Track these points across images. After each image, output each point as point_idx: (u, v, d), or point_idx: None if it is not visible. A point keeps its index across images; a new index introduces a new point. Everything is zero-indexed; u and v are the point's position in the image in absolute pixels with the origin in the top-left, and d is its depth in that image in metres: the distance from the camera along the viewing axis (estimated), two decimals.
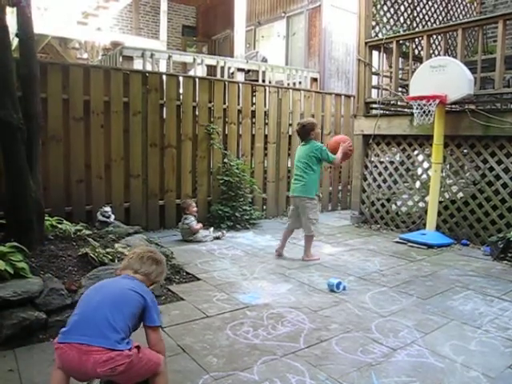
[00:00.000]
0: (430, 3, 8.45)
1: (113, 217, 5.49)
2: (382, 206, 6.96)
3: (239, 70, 9.97)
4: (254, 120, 7.32)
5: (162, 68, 9.84)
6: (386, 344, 3.00)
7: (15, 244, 3.35)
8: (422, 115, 5.60)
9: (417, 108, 5.66)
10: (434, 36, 7.16)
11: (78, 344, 1.93)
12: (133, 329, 2.14)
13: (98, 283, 2.37)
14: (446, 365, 2.74)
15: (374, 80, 7.31)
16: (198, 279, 4.29)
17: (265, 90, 7.54)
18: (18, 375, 2.52)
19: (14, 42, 4.25)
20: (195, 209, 6.07)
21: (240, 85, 7.27)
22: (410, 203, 6.65)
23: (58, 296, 3.10)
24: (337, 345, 2.99)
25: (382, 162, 7.03)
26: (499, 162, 5.55)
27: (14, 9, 3.91)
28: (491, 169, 5.62)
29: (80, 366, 1.93)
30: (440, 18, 8.74)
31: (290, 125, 7.79)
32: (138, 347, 2.06)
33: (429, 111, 5.53)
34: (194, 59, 9.51)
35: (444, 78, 5.45)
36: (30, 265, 3.33)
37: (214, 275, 4.41)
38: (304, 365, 2.71)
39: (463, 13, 9.23)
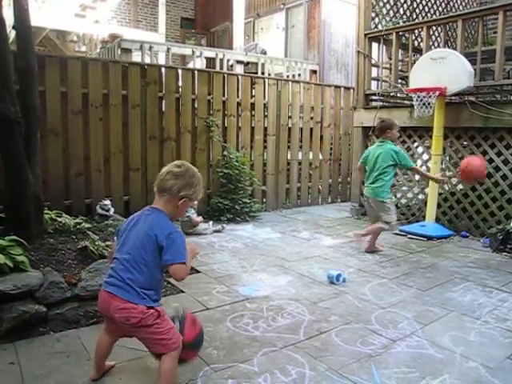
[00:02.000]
0: None
1: (112, 210, 5.49)
2: None
3: (238, 62, 9.95)
4: (253, 112, 7.29)
5: (161, 60, 9.83)
6: (386, 335, 3.01)
7: (14, 237, 3.34)
8: (421, 107, 5.59)
9: (416, 100, 5.65)
10: (434, 27, 7.11)
11: (108, 292, 2.20)
12: (162, 276, 2.31)
13: (127, 224, 2.33)
14: (445, 356, 2.74)
15: (374, 72, 7.28)
16: (198, 272, 4.29)
17: (264, 82, 7.51)
18: (19, 368, 2.53)
19: (11, 34, 4.23)
20: (196, 202, 6.05)
21: (239, 77, 7.24)
22: (410, 195, 6.65)
23: (57, 289, 3.09)
24: (336, 336, 2.99)
25: None
26: (499, 154, 5.55)
27: (11, 1, 3.89)
28: (491, 160, 5.61)
29: (107, 307, 2.20)
30: (440, 9, 8.70)
31: (290, 117, 7.78)
32: (159, 314, 2.18)
33: (429, 103, 5.51)
34: (193, 51, 9.48)
35: (444, 69, 5.43)
36: (30, 258, 3.32)
37: (213, 268, 4.41)
38: (304, 356, 2.72)
39: (463, 4, 9.18)
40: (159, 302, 2.27)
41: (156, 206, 2.31)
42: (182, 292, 3.75)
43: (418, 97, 5.62)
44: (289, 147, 7.84)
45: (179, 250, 2.20)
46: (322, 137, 8.24)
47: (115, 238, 2.43)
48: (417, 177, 6.64)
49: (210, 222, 6.05)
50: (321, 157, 8.27)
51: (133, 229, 2.28)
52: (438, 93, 5.43)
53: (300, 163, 7.99)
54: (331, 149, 8.46)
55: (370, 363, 2.65)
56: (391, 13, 7.62)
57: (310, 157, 8.12)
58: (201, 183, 2.34)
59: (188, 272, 2.28)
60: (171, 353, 2.19)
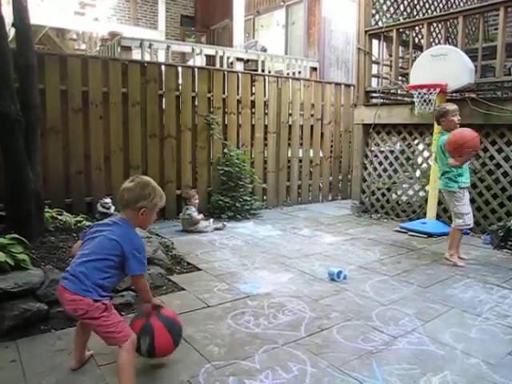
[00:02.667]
0: None
1: (113, 208, 5.48)
2: (383, 195, 6.96)
3: (238, 59, 9.93)
4: (253, 110, 7.29)
5: (161, 58, 9.81)
6: (387, 332, 3.01)
7: (15, 236, 3.35)
8: (422, 104, 5.58)
9: (417, 97, 5.64)
10: (435, 24, 7.10)
11: (62, 286, 2.32)
12: (116, 277, 2.40)
13: (95, 227, 2.50)
14: (446, 352, 2.75)
15: (374, 69, 7.26)
16: (199, 269, 4.29)
17: (264, 79, 7.51)
18: (21, 366, 2.53)
19: (11, 32, 4.22)
20: (197, 200, 6.06)
21: (239, 75, 7.23)
22: (411, 192, 6.64)
23: None
24: (338, 333, 2.99)
25: (382, 152, 7.01)
26: (499, 151, 5.54)
27: None
28: (491, 157, 5.60)
29: (61, 299, 2.33)
30: (440, 5, 8.67)
31: (290, 114, 7.77)
32: (106, 307, 2.28)
33: (429, 100, 5.50)
34: (193, 49, 9.47)
35: (445, 66, 5.41)
36: (31, 256, 3.32)
37: (214, 265, 4.41)
38: (305, 353, 2.72)
39: (464, 0, 9.15)
40: (108, 297, 2.33)
41: (124, 218, 2.47)
42: (183, 290, 3.75)
43: (419, 94, 5.61)
44: (289, 145, 7.83)
45: (141, 263, 2.37)
46: (322, 134, 8.23)
47: (80, 240, 2.59)
48: (417, 174, 6.64)
49: (211, 220, 6.05)
50: (321, 154, 8.27)
51: (100, 232, 2.40)
52: (438, 90, 5.42)
53: (301, 160, 7.99)
54: (332, 146, 8.45)
55: (371, 360, 2.65)
56: (391, 10, 7.59)
57: (311, 154, 8.12)
58: (157, 192, 2.50)
59: (145, 288, 2.47)
60: (124, 346, 2.25)
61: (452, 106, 4.70)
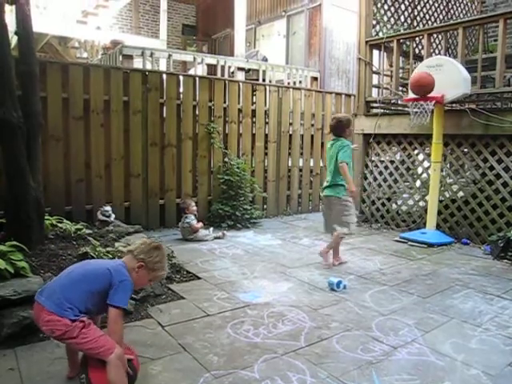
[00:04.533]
0: (430, 2, 8.44)
1: (113, 216, 5.49)
2: (383, 204, 6.96)
3: (239, 69, 9.96)
4: (254, 119, 7.31)
5: (162, 67, 9.86)
6: (387, 342, 3.00)
7: (15, 243, 3.35)
8: (418, 115, 5.58)
9: (414, 108, 5.64)
10: (435, 35, 7.15)
11: (38, 303, 2.27)
12: (93, 306, 2.33)
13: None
14: (446, 363, 2.74)
15: (375, 79, 7.29)
16: (199, 278, 4.29)
17: (265, 89, 7.54)
18: (19, 374, 2.52)
19: (13, 40, 4.25)
20: (195, 208, 6.07)
21: (240, 84, 7.26)
22: (411, 202, 6.65)
23: None
24: (337, 343, 2.98)
25: (382, 161, 7.02)
26: (499, 161, 5.55)
27: (13, 7, 3.91)
28: (491, 168, 5.61)
29: (37, 319, 2.28)
30: (441, 17, 8.73)
31: (291, 124, 7.80)
32: (84, 324, 2.21)
33: (426, 111, 5.51)
34: (194, 58, 9.50)
35: (441, 77, 5.42)
36: (31, 264, 3.32)
37: (214, 274, 4.40)
38: (305, 363, 2.71)
39: (464, 12, 9.22)
40: (82, 315, 2.26)
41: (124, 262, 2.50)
42: (183, 298, 3.74)
43: (416, 105, 5.62)
44: (290, 154, 7.84)
45: (123, 298, 2.34)
46: (322, 144, 8.24)
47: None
48: (417, 184, 6.64)
49: (211, 229, 6.04)
50: (322, 164, 8.28)
51: (92, 261, 2.48)
52: (434, 102, 5.44)
53: (301, 170, 8.00)
54: None
55: (370, 370, 2.64)
56: (392, 20, 7.65)
57: (311, 164, 8.13)
58: (163, 261, 2.55)
59: (117, 328, 2.33)
60: (110, 361, 2.17)
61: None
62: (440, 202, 5.95)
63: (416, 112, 5.58)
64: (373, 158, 7.11)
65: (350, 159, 4.73)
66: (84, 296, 2.28)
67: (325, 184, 4.95)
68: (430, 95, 5.43)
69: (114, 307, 2.29)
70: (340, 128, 4.82)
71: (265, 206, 7.58)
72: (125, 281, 2.35)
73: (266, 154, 7.53)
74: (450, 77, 5.38)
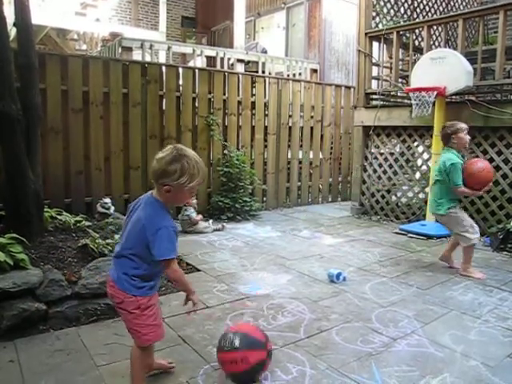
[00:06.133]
0: None
1: (112, 208, 5.48)
2: (382, 197, 6.96)
3: (239, 61, 9.94)
4: (253, 111, 7.29)
5: (162, 59, 9.83)
6: (386, 334, 3.01)
7: (15, 235, 3.35)
8: (420, 107, 5.58)
9: (415, 100, 5.64)
10: (435, 27, 7.10)
11: (109, 275, 2.28)
12: (150, 268, 2.17)
13: (134, 203, 2.29)
14: (445, 354, 2.74)
15: (375, 71, 7.27)
16: (198, 270, 4.29)
17: (265, 81, 7.51)
18: (19, 366, 2.53)
19: (12, 32, 4.22)
20: (195, 200, 6.06)
21: (240, 76, 7.24)
22: (410, 194, 6.65)
23: (58, 287, 3.09)
24: (337, 335, 2.99)
25: (382, 153, 7.02)
26: (499, 153, 5.54)
27: None
28: (491, 160, 5.59)
29: (108, 287, 2.27)
30: (440, 8, 8.70)
31: (290, 116, 7.77)
32: (140, 306, 2.15)
33: (427, 103, 5.50)
34: (194, 50, 9.47)
35: (443, 69, 5.42)
36: (30, 256, 3.32)
37: (214, 266, 4.41)
38: (304, 355, 2.71)
39: (464, 3, 9.18)
40: (147, 293, 2.19)
41: (154, 194, 2.21)
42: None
43: (417, 96, 5.61)
44: (289, 146, 7.83)
45: (165, 247, 2.09)
46: (322, 136, 8.23)
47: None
48: (417, 176, 6.64)
49: (210, 221, 6.04)
50: (321, 156, 8.27)
51: (132, 215, 2.22)
52: (436, 93, 5.43)
53: (300, 162, 7.99)
54: (331, 148, 8.46)
55: (370, 362, 2.64)
56: (392, 12, 7.62)
57: (311, 156, 8.12)
58: (187, 170, 2.10)
59: (177, 274, 2.21)
60: (141, 347, 2.22)
61: (462, 124, 4.41)
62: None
63: (417, 103, 5.57)
64: (372, 150, 7.10)
65: (459, 178, 4.14)
66: (134, 264, 2.17)
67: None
68: (431, 86, 5.42)
69: (163, 261, 2.11)
70: (445, 136, 4.36)
71: (264, 198, 7.57)
72: (158, 228, 2.08)
73: (265, 146, 7.52)
74: (452, 69, 5.37)
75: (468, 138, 4.37)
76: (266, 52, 10.93)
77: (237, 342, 2.31)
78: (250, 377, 2.38)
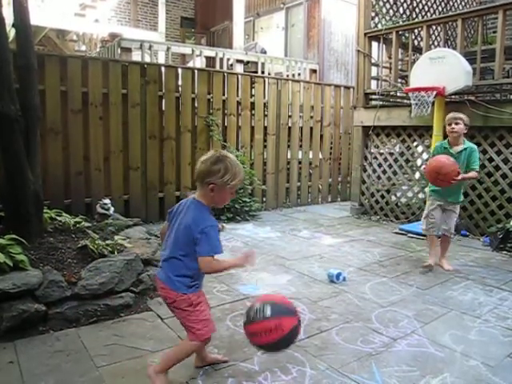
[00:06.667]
0: None
1: (112, 209, 5.47)
2: (382, 197, 6.96)
3: (238, 61, 9.94)
4: (253, 112, 7.29)
5: (161, 60, 9.83)
6: (386, 334, 3.01)
7: (14, 236, 3.34)
8: (419, 106, 5.57)
9: (414, 99, 5.64)
10: (434, 27, 7.10)
11: (157, 277, 2.42)
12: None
13: (176, 208, 2.47)
14: (445, 354, 2.74)
15: (374, 71, 7.27)
16: None
17: (264, 81, 7.51)
18: (18, 367, 2.52)
19: (11, 33, 4.22)
20: None
21: (239, 76, 7.24)
22: (410, 194, 6.65)
23: (57, 288, 3.09)
24: (337, 335, 2.99)
25: (381, 153, 7.01)
26: (498, 153, 5.54)
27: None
28: (491, 159, 5.61)
29: (158, 288, 2.43)
30: (440, 8, 8.70)
31: (290, 116, 7.77)
32: (192, 303, 2.30)
33: (426, 102, 5.50)
34: (193, 51, 9.47)
35: (443, 69, 5.41)
36: (29, 257, 3.32)
37: None
38: (304, 355, 2.71)
39: (463, 3, 9.18)
40: (196, 290, 2.35)
41: (196, 197, 2.40)
42: None
43: (416, 96, 5.61)
44: (289, 146, 7.83)
45: (208, 244, 2.25)
46: (321, 136, 8.23)
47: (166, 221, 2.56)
48: (417, 175, 6.64)
49: None
50: (321, 156, 8.27)
51: (177, 218, 2.39)
52: (435, 92, 5.43)
53: (300, 162, 7.99)
54: (331, 148, 8.46)
55: (370, 362, 2.64)
56: (391, 12, 7.62)
57: (310, 156, 8.12)
58: (230, 169, 2.29)
59: (215, 269, 2.37)
60: (194, 342, 2.34)
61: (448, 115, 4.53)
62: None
63: (416, 103, 5.57)
64: (372, 150, 7.10)
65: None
66: (183, 264, 2.32)
67: None
68: (431, 86, 5.42)
69: (200, 257, 2.26)
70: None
71: (264, 199, 7.57)
72: (201, 228, 2.25)
73: (265, 146, 7.52)
74: (452, 69, 5.36)
75: (451, 127, 4.39)
76: (265, 52, 10.93)
77: (268, 311, 2.28)
78: (286, 343, 2.35)
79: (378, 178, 7.04)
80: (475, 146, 4.39)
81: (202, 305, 2.36)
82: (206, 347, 2.57)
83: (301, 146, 7.97)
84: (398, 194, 6.83)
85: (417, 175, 6.63)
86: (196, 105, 6.64)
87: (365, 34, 6.97)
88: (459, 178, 4.08)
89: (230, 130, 7.02)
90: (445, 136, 5.41)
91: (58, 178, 5.59)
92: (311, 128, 8.07)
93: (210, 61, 10.04)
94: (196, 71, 6.74)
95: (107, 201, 5.49)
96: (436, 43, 7.84)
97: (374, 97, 7.12)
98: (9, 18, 3.85)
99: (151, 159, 6.28)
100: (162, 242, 2.54)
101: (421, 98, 5.55)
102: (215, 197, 2.35)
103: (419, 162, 6.63)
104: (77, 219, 4.51)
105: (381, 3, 7.37)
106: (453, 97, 6.05)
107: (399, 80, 6.95)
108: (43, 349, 2.73)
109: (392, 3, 7.63)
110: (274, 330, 2.24)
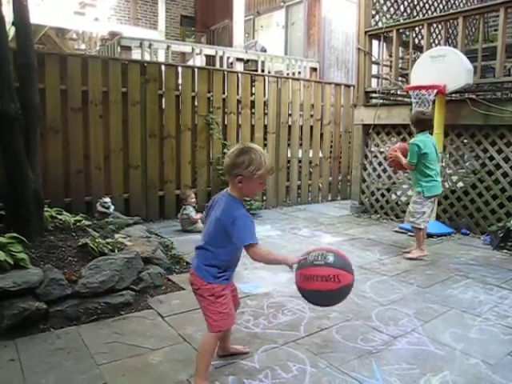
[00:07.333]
0: None
1: (112, 207, 5.47)
2: (382, 195, 6.95)
3: (238, 59, 9.93)
4: (253, 110, 7.29)
5: (161, 58, 9.81)
6: (387, 332, 3.01)
7: (15, 235, 3.35)
8: (420, 105, 5.57)
9: (415, 98, 5.64)
10: (435, 25, 7.10)
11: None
12: (229, 254, 2.41)
13: (212, 201, 2.55)
14: (445, 352, 2.74)
15: (374, 69, 7.27)
16: None
17: (264, 79, 7.51)
18: (19, 365, 2.53)
19: (11, 31, 4.22)
20: (194, 199, 6.05)
21: (239, 75, 7.23)
22: (410, 193, 6.63)
23: (58, 286, 3.10)
24: (337, 333, 2.99)
25: (381, 152, 7.01)
26: (499, 151, 5.54)
27: None
28: (491, 158, 5.60)
29: (190, 274, 2.49)
30: (440, 6, 8.69)
31: (290, 115, 7.77)
32: (214, 294, 2.33)
33: (427, 101, 5.50)
34: (193, 49, 9.46)
35: (443, 67, 5.41)
36: (30, 255, 3.32)
37: None
38: (305, 353, 2.72)
39: (464, 1, 9.17)
40: (223, 282, 2.37)
41: (228, 191, 2.44)
42: (183, 289, 3.74)
43: (417, 95, 5.61)
44: (289, 145, 7.83)
45: (243, 234, 2.28)
46: (322, 134, 8.23)
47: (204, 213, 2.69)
48: None
49: None
50: (321, 154, 8.27)
51: (211, 211, 2.47)
52: (435, 91, 5.43)
53: (300, 161, 7.98)
54: (331, 146, 8.45)
55: (370, 360, 2.65)
56: (391, 10, 7.61)
57: (310, 154, 8.12)
58: (255, 160, 2.30)
59: (264, 257, 2.40)
60: (212, 334, 2.34)
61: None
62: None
63: (417, 102, 5.57)
64: (372, 149, 7.10)
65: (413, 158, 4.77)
66: (214, 256, 2.38)
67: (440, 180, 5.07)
68: (431, 84, 5.42)
69: (246, 247, 2.32)
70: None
71: (264, 197, 7.57)
72: (234, 218, 2.28)
73: (265, 144, 7.51)
74: (452, 67, 5.36)
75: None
76: (265, 51, 10.91)
77: (331, 258, 2.28)
78: (336, 297, 2.40)
79: (379, 176, 7.04)
80: (413, 140, 4.81)
81: (224, 298, 2.37)
82: (229, 338, 2.64)
83: (301, 145, 7.97)
84: (398, 193, 6.82)
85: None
86: (196, 103, 6.64)
87: (365, 32, 6.97)
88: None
89: (230, 129, 7.01)
90: (445, 134, 5.44)
91: (58, 177, 5.59)
92: (311, 126, 8.07)
93: (210, 59, 10.02)
94: (196, 70, 6.74)
95: (107, 199, 5.49)
96: (437, 41, 7.84)
97: (374, 95, 7.11)
98: (9, 17, 3.85)
99: (151, 158, 6.28)
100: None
101: (421, 96, 5.55)
102: (244, 188, 2.36)
103: None
104: (77, 218, 4.50)
105: (381, 1, 7.37)
106: (453, 95, 6.04)
107: (400, 78, 6.94)
108: (44, 347, 2.73)
109: (392, 1, 7.62)
110: (331, 279, 2.26)
